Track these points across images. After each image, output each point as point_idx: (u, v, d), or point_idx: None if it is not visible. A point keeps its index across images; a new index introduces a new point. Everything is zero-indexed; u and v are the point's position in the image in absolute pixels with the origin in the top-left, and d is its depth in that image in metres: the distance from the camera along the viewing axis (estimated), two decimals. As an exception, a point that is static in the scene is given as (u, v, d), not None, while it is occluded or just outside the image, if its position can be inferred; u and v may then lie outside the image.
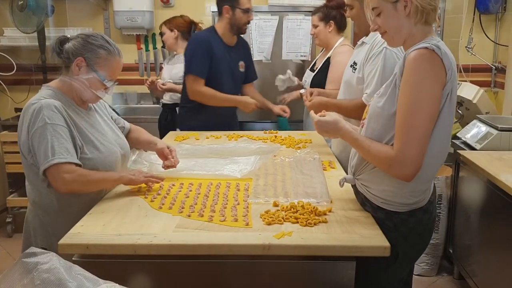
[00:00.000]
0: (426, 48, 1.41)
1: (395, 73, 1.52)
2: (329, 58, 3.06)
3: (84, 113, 1.87)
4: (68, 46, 1.80)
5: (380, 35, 1.66)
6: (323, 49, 3.24)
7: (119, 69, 1.86)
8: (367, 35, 2.30)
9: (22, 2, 3.41)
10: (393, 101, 1.49)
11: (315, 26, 3.10)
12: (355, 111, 2.14)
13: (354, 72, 2.32)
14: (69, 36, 1.84)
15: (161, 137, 3.02)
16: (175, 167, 2.07)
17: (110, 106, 2.14)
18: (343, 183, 1.74)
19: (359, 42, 2.39)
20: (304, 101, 2.50)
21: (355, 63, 2.33)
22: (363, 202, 1.68)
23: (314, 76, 3.09)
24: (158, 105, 4.19)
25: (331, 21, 3.05)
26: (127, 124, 2.20)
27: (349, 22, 3.19)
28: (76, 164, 1.73)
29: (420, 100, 1.41)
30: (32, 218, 1.85)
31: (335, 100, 2.43)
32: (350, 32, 3.87)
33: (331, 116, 1.67)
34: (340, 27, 3.10)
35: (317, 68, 3.12)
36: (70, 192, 1.75)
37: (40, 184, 1.77)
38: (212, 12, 3.57)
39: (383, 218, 1.59)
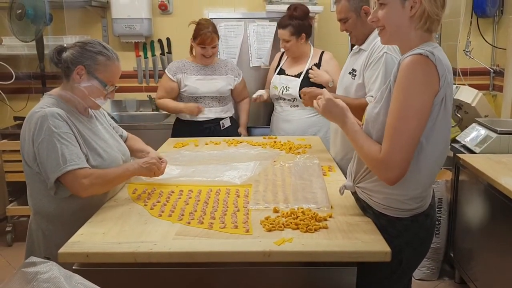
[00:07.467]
0: (421, 54, 1.40)
1: (389, 79, 1.52)
2: (315, 65, 3.14)
3: (86, 121, 1.89)
4: (66, 55, 1.81)
5: (378, 41, 1.67)
6: (285, 55, 3.29)
7: (119, 73, 1.90)
8: (363, 42, 2.32)
9: (20, 11, 3.42)
10: (388, 107, 1.49)
11: (286, 41, 3.10)
12: (359, 111, 2.08)
13: (353, 79, 2.33)
14: (66, 45, 1.86)
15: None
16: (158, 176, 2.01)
17: (108, 114, 2.14)
18: (343, 191, 1.73)
19: (355, 49, 2.40)
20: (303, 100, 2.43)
21: (354, 70, 2.34)
22: (365, 208, 1.68)
23: (302, 82, 3.09)
24: (157, 112, 4.20)
25: (303, 34, 3.10)
26: (125, 133, 2.25)
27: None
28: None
29: (408, 106, 1.40)
30: (36, 228, 1.85)
31: (341, 96, 2.42)
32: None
33: (342, 103, 1.66)
34: (309, 36, 3.18)
35: (300, 74, 3.14)
36: (90, 195, 1.76)
37: (43, 193, 1.78)
38: (211, 18, 3.57)
39: (386, 225, 1.58)
